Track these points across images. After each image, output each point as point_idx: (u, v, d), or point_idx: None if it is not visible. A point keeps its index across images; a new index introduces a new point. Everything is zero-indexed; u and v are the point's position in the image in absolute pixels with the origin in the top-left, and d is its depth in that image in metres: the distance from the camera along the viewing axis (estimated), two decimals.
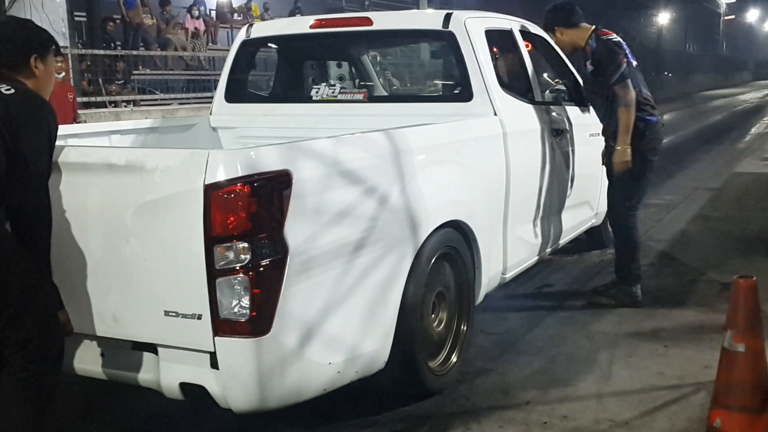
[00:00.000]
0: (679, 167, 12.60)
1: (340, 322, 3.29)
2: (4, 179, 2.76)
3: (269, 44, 6.02)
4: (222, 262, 2.89)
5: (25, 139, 2.80)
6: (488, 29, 5.07)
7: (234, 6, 22.01)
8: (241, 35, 5.70)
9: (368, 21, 5.26)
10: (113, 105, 13.87)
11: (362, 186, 3.43)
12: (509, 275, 4.86)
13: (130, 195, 3.04)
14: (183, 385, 3.09)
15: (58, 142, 3.02)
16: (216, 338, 2.94)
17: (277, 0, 23.45)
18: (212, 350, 2.96)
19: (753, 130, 19.99)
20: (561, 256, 6.69)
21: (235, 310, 2.90)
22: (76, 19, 14.40)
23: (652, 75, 42.17)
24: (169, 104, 15.31)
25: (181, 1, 19.71)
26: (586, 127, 6.01)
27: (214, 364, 2.98)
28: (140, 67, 16.09)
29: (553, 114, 5.49)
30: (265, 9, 22.03)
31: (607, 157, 5.40)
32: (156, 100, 15.55)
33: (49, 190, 2.93)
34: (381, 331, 3.53)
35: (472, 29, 4.89)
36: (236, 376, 2.97)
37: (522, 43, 5.52)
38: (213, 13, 21.05)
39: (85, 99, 12.86)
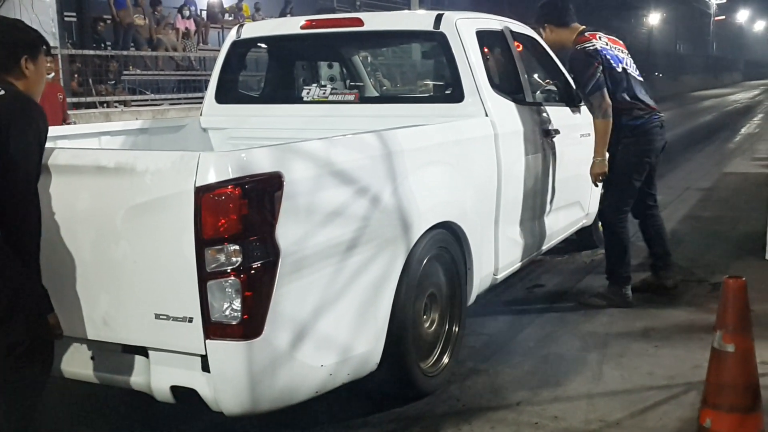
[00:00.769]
0: (669, 167, 12.63)
1: (332, 324, 3.29)
2: None
3: (260, 45, 6.01)
4: (213, 265, 2.88)
5: (14, 141, 2.78)
6: (479, 30, 5.07)
7: (225, 6, 21.99)
8: (231, 35, 5.69)
9: (359, 22, 5.25)
10: (105, 105, 13.83)
11: (354, 187, 3.43)
12: (501, 276, 4.87)
13: (121, 197, 3.03)
14: (174, 389, 3.08)
15: (47, 144, 3.00)
16: (207, 341, 2.93)
17: (268, 0, 23.43)
18: (203, 353, 2.95)
19: (743, 131, 20.08)
20: (552, 257, 6.71)
21: (227, 312, 2.90)
22: (66, 19, 14.35)
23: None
24: (159, 105, 15.28)
25: (172, 1, 19.68)
26: (576, 127, 6.03)
27: (206, 367, 2.97)
28: (131, 67, 16.05)
29: (544, 114, 5.49)
30: (256, 9, 22.02)
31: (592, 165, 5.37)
32: (146, 100, 15.53)
33: (39, 192, 2.92)
34: (373, 332, 3.53)
35: (463, 30, 4.90)
36: (228, 379, 2.96)
37: (513, 44, 5.53)
38: (204, 14, 21.02)
39: (75, 99, 12.82)
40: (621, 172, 5.31)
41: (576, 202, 6.20)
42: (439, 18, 4.94)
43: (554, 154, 5.52)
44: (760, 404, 3.03)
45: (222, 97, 5.65)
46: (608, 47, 5.38)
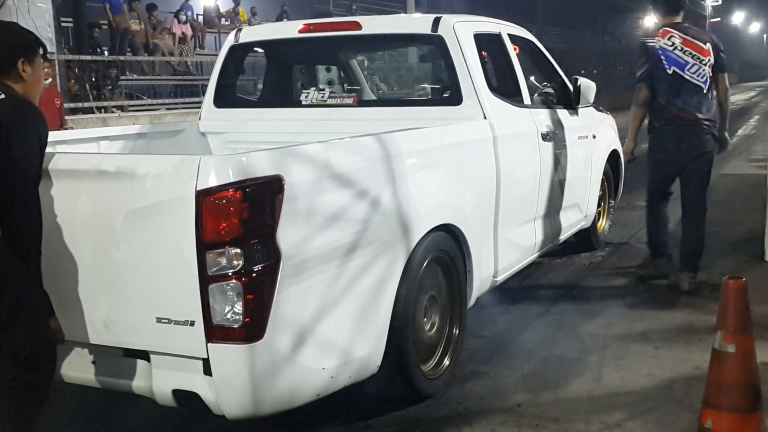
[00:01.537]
0: None
1: (333, 326, 3.29)
2: None
3: (258, 49, 6.02)
4: (214, 268, 2.88)
5: (15, 145, 2.78)
6: (477, 33, 5.09)
7: (221, 11, 21.99)
8: (229, 40, 5.70)
9: (357, 25, 5.27)
10: (103, 110, 13.82)
11: (354, 190, 3.43)
12: (500, 278, 4.87)
13: (121, 201, 3.03)
14: (176, 392, 3.08)
15: (46, 149, 3.00)
16: (209, 345, 2.93)
17: (264, 4, 23.45)
18: (205, 357, 2.96)
19: (739, 132, 20.10)
20: (551, 259, 6.72)
21: (228, 316, 2.90)
22: (63, 24, 14.35)
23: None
24: (156, 110, 15.28)
25: (168, 6, 19.68)
26: (574, 129, 6.04)
27: (207, 371, 2.97)
28: (128, 72, 16.05)
29: (542, 117, 5.51)
30: (252, 14, 22.01)
31: None
32: (143, 105, 15.52)
33: (40, 197, 2.92)
34: (374, 335, 3.53)
35: (461, 33, 4.91)
36: (230, 382, 2.96)
37: (510, 47, 5.55)
38: (200, 18, 21.01)
39: (72, 105, 12.82)
40: (647, 161, 5.98)
41: (574, 204, 6.20)
42: (437, 21, 4.95)
43: (552, 156, 5.53)
44: (761, 404, 3.04)
45: (220, 101, 5.66)
46: (672, 48, 5.65)
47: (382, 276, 3.57)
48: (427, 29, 4.98)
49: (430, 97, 6.17)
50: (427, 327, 4.05)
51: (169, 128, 5.84)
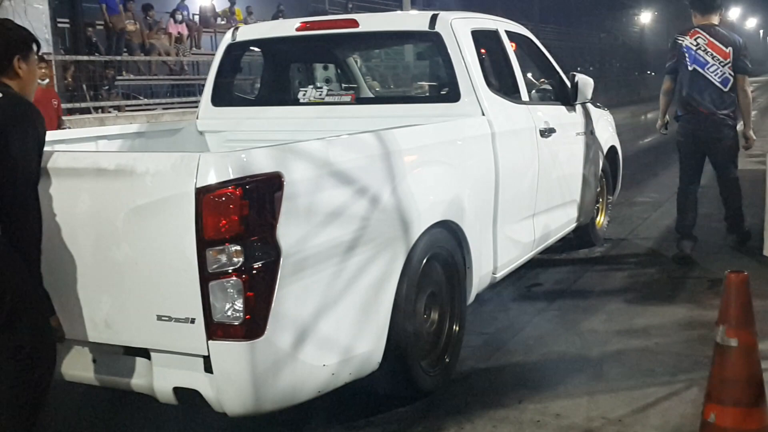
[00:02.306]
0: (664, 166, 12.66)
1: (334, 323, 3.29)
2: None
3: (255, 47, 6.01)
4: (215, 266, 2.88)
5: (14, 144, 2.78)
6: (474, 30, 5.08)
7: (217, 10, 21.98)
8: (226, 38, 5.68)
9: (354, 23, 5.26)
10: (100, 111, 13.81)
11: (353, 187, 3.43)
12: (500, 275, 4.87)
13: (121, 199, 3.02)
14: (177, 390, 3.07)
15: (45, 149, 2.99)
16: (210, 342, 2.93)
17: (259, 4, 23.43)
18: (206, 354, 2.95)
19: (737, 128, 20.06)
20: (550, 255, 6.70)
21: (229, 313, 2.90)
22: (59, 25, 14.33)
23: (634, 74, 42.41)
24: (153, 109, 15.27)
25: (164, 6, 19.67)
26: (572, 126, 6.05)
27: (208, 368, 2.97)
28: (124, 72, 16.04)
29: (540, 113, 5.50)
30: (248, 13, 22.01)
31: None
32: (140, 105, 15.50)
33: (39, 195, 2.91)
34: (374, 332, 3.52)
35: (459, 30, 4.90)
36: (231, 379, 2.96)
37: (508, 44, 5.54)
38: (196, 18, 21.00)
39: (69, 105, 12.80)
40: (676, 147, 6.71)
41: (573, 201, 6.20)
42: (434, 18, 4.94)
43: (550, 152, 5.53)
44: (764, 398, 3.03)
45: (218, 99, 5.64)
46: (696, 47, 6.30)
47: (382, 273, 3.56)
48: (424, 26, 4.98)
49: (428, 94, 6.16)
50: (427, 324, 4.04)
51: (167, 127, 5.83)
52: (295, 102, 5.54)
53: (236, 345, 2.91)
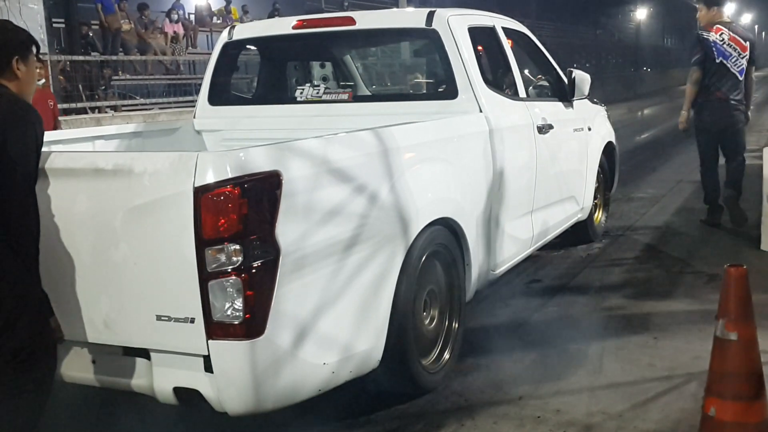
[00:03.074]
0: (661, 161, 12.69)
1: (334, 321, 3.28)
2: None
3: (252, 46, 6.00)
4: (214, 265, 2.87)
5: (12, 145, 2.77)
6: (471, 26, 5.08)
7: (213, 9, 21.95)
8: (223, 37, 5.68)
9: (351, 21, 5.25)
10: (96, 111, 13.79)
11: (352, 185, 3.42)
12: (498, 271, 4.87)
13: (119, 199, 3.02)
14: (177, 390, 3.07)
15: (42, 149, 2.98)
16: (210, 341, 2.92)
17: (255, 2, 23.41)
18: (206, 354, 2.95)
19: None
20: (548, 252, 6.71)
21: (229, 312, 2.89)
22: (55, 25, 14.30)
23: (631, 70, 42.44)
24: (149, 109, 15.24)
25: (160, 6, 19.64)
26: (570, 122, 6.04)
27: (209, 368, 2.96)
28: (120, 72, 16.01)
29: (537, 110, 5.50)
30: (244, 12, 21.98)
31: None
32: (136, 105, 15.48)
33: (37, 196, 2.90)
34: (374, 329, 3.52)
35: (456, 27, 4.90)
36: (231, 379, 2.96)
37: (505, 40, 5.54)
38: (192, 17, 20.97)
39: (65, 105, 12.78)
40: (694, 131, 7.45)
41: (571, 197, 6.20)
42: (431, 15, 4.94)
43: (548, 149, 5.52)
44: (764, 392, 3.03)
45: (215, 98, 5.64)
46: (722, 42, 7.10)
47: (382, 271, 3.56)
48: (421, 23, 4.97)
49: (425, 91, 6.16)
50: (427, 321, 4.05)
51: (164, 126, 5.82)
52: (293, 100, 5.53)
53: (236, 344, 2.91)
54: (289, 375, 3.09)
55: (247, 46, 6.00)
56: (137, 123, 6.63)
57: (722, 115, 7.19)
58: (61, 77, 13.48)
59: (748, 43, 7.17)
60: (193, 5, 21.45)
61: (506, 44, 5.55)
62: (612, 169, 7.43)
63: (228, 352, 2.93)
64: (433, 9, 5.03)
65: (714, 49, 7.12)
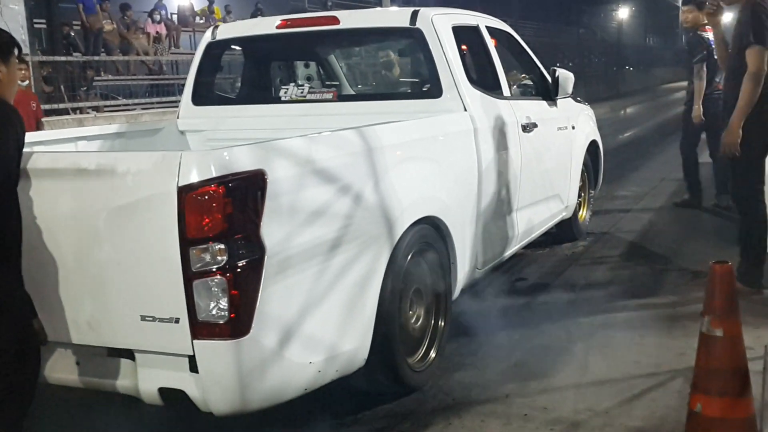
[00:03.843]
0: (643, 159, 12.75)
1: (319, 321, 3.27)
2: None
3: (235, 46, 5.97)
4: (198, 264, 2.85)
5: None
6: (455, 26, 5.08)
7: (196, 9, 21.86)
8: (206, 37, 5.65)
9: (335, 20, 5.24)
10: (78, 111, 13.69)
11: (337, 184, 3.41)
12: (484, 269, 4.87)
13: (102, 199, 2.99)
14: (162, 391, 3.05)
15: (24, 150, 2.95)
16: (194, 341, 2.90)
17: (238, 2, 23.33)
18: (191, 354, 2.93)
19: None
20: (533, 250, 6.73)
21: (214, 312, 2.87)
22: (36, 26, 14.19)
23: (613, 69, 42.59)
24: (132, 110, 15.16)
25: (142, 6, 19.54)
26: (554, 120, 6.06)
27: (194, 368, 2.95)
28: (102, 72, 15.92)
29: (522, 108, 5.50)
30: (227, 12, 21.92)
31: None
32: (119, 105, 15.39)
33: (19, 197, 2.87)
34: (360, 329, 3.52)
35: (440, 26, 4.90)
36: (216, 379, 2.94)
37: (489, 39, 5.54)
38: (174, 17, 20.87)
39: (47, 106, 12.68)
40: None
41: (555, 195, 6.22)
42: (415, 14, 4.94)
43: (532, 147, 5.53)
44: (750, 388, 3.05)
45: (199, 98, 5.61)
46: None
47: (367, 270, 3.55)
48: (405, 22, 4.97)
49: (410, 90, 6.16)
50: (413, 320, 4.04)
51: (148, 127, 5.79)
52: (277, 100, 5.51)
53: (221, 344, 2.89)
54: (275, 374, 3.08)
55: (231, 46, 5.98)
56: (120, 124, 6.59)
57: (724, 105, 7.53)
58: (45, 86, 13.37)
59: None
60: (175, 5, 21.35)
61: (490, 43, 5.55)
62: (596, 167, 7.46)
63: (213, 351, 2.91)
64: (417, 8, 5.03)
65: (713, 47, 7.32)
